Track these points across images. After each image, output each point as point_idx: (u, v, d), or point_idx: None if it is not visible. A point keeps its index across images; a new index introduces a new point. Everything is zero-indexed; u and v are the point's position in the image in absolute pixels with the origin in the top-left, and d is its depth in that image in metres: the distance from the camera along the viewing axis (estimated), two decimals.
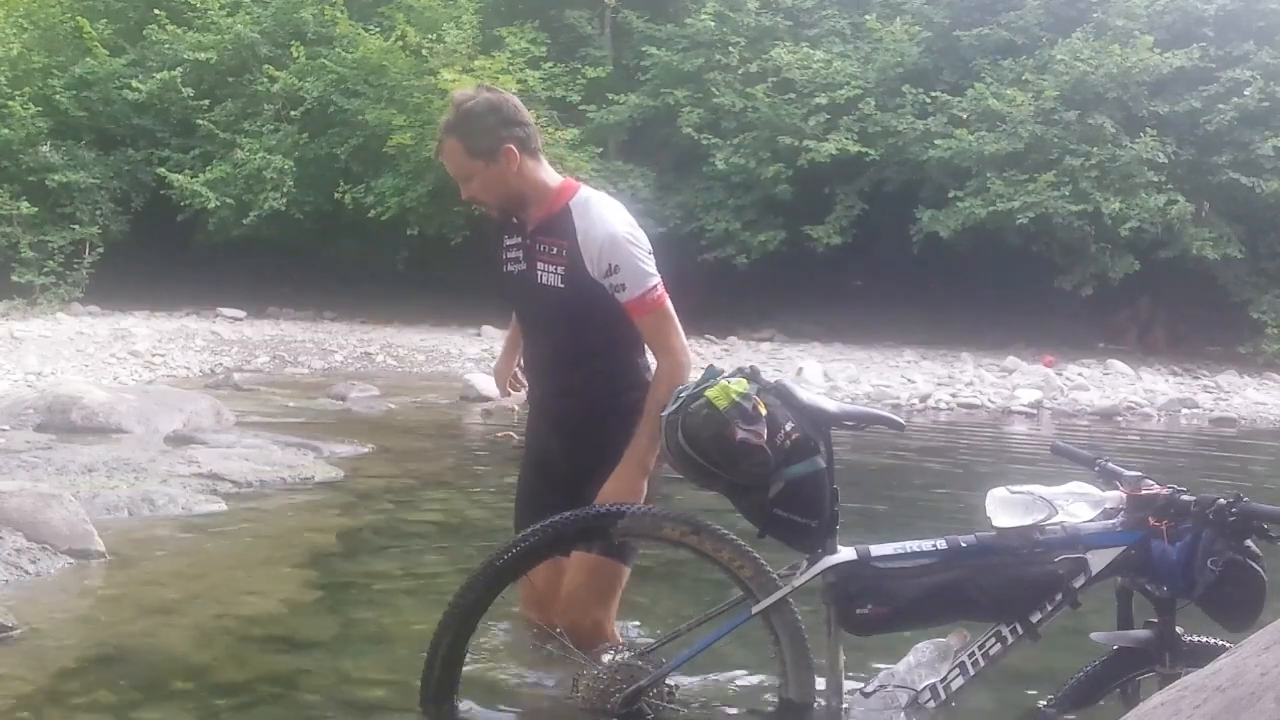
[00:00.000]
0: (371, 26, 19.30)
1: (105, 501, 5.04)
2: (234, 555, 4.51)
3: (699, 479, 2.62)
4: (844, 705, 2.68)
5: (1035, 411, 11.36)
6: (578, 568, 3.00)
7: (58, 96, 19.41)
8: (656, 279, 2.97)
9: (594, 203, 3.02)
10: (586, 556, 2.96)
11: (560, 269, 2.98)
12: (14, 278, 17.52)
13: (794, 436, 2.57)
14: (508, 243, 3.15)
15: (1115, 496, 2.71)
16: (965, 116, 16.67)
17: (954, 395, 11.95)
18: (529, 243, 3.06)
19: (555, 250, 2.99)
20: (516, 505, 3.31)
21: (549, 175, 3.07)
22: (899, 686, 2.74)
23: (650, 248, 3.02)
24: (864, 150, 16.88)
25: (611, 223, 2.96)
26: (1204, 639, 2.65)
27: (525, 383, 3.43)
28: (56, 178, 18.46)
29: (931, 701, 2.68)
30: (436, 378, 12.45)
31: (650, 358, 3.08)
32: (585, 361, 3.06)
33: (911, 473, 7.42)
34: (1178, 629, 2.63)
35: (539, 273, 3.03)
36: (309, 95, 19.07)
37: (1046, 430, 10.09)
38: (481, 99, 3.00)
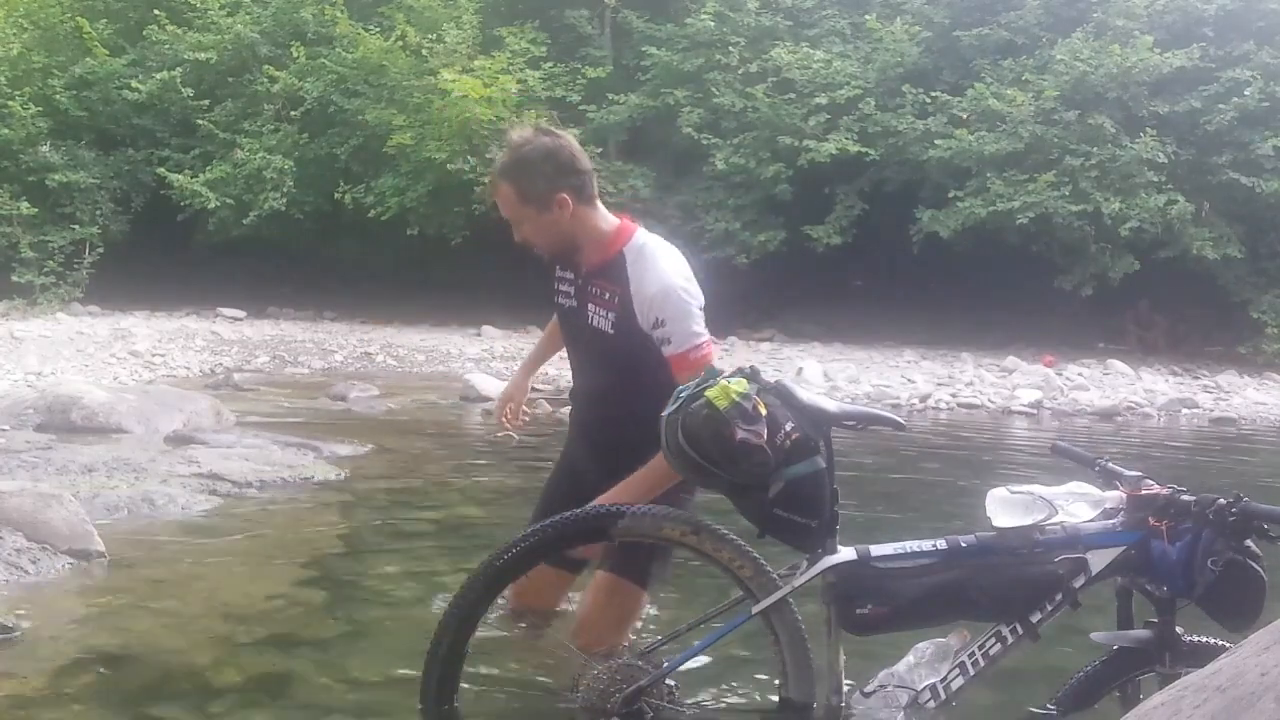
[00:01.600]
0: (371, 26, 19.31)
1: (105, 501, 5.04)
2: (234, 555, 4.51)
3: (699, 479, 2.62)
4: (844, 705, 2.68)
5: (1035, 411, 11.36)
6: (597, 588, 3.01)
7: (58, 96, 19.42)
8: (703, 338, 2.93)
9: (648, 251, 2.98)
10: (607, 577, 2.97)
11: (611, 314, 2.97)
12: (14, 278, 17.54)
13: (794, 436, 2.57)
14: (560, 274, 3.12)
15: (1115, 496, 2.71)
16: (965, 116, 16.67)
17: (954, 395, 11.95)
18: (582, 284, 3.05)
19: (608, 295, 2.98)
20: (539, 506, 3.32)
21: (604, 219, 3.03)
22: (899, 686, 2.73)
23: (703, 302, 2.96)
24: (864, 150, 16.88)
25: (665, 275, 2.92)
26: (1204, 639, 2.64)
27: (530, 415, 3.47)
28: (56, 178, 18.48)
29: (931, 701, 2.68)
30: (436, 378, 12.45)
31: None
32: (630, 401, 3.00)
33: (911, 473, 7.41)
34: (1178, 629, 2.63)
35: (590, 315, 3.02)
36: (309, 95, 19.08)
37: (1046, 430, 10.09)
38: (538, 144, 2.95)
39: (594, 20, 19.88)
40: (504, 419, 3.55)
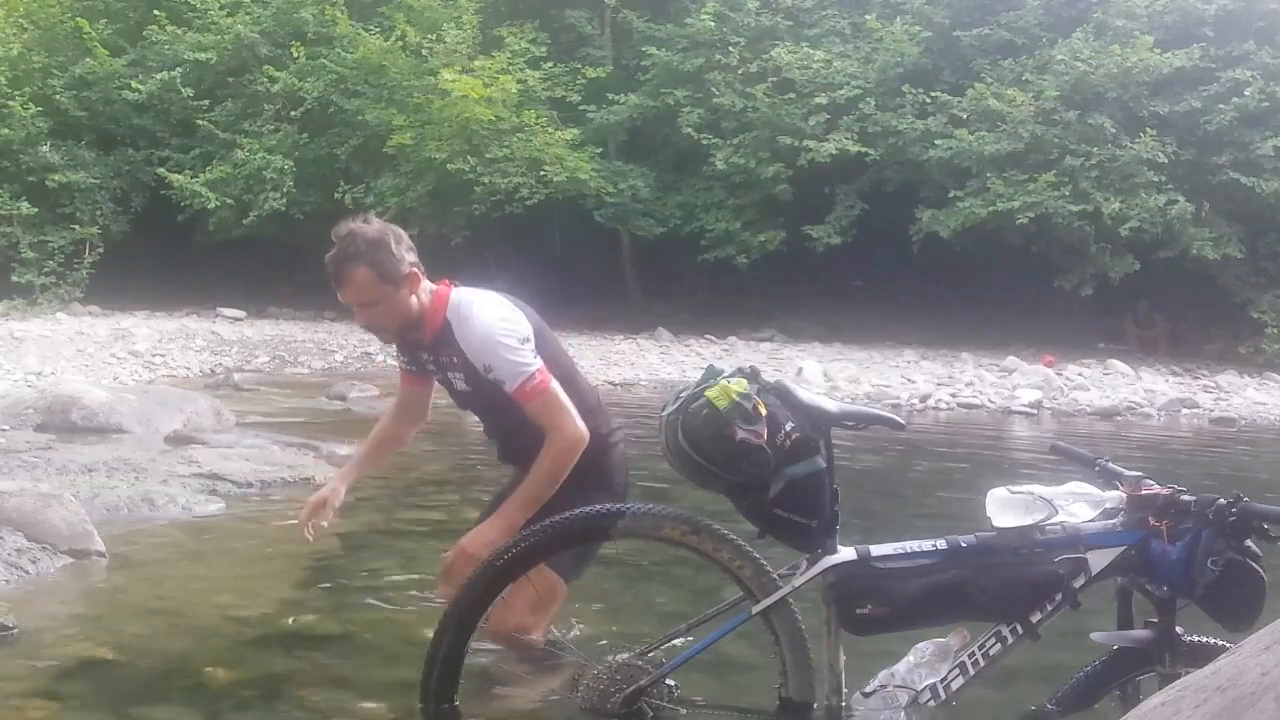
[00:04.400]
0: (371, 26, 19.31)
1: (105, 501, 5.04)
2: (234, 555, 4.51)
3: (699, 479, 2.62)
4: (844, 705, 2.68)
5: (1035, 411, 11.36)
6: None
7: (58, 96, 19.42)
8: (533, 366, 3.06)
9: (463, 308, 3.13)
10: None
11: (462, 374, 3.18)
12: (14, 278, 17.55)
13: (794, 436, 2.57)
14: (416, 351, 3.32)
15: (1115, 496, 2.70)
16: (965, 116, 16.67)
17: (954, 395, 11.95)
18: (432, 358, 3.25)
19: (454, 360, 3.18)
20: (489, 509, 3.46)
21: (430, 293, 3.18)
22: (899, 686, 2.73)
23: (527, 334, 3.11)
24: (864, 150, 16.87)
25: (480, 325, 3.09)
26: (1204, 639, 2.64)
27: (328, 521, 3.50)
28: (56, 178, 18.47)
29: (931, 701, 2.68)
30: None
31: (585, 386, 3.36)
32: (525, 429, 3.16)
33: (911, 473, 7.42)
34: (1178, 629, 2.63)
35: (452, 380, 3.25)
36: (309, 95, 19.08)
37: (1046, 430, 10.08)
38: (380, 227, 3.11)
39: (594, 20, 19.88)
40: (306, 520, 3.43)
